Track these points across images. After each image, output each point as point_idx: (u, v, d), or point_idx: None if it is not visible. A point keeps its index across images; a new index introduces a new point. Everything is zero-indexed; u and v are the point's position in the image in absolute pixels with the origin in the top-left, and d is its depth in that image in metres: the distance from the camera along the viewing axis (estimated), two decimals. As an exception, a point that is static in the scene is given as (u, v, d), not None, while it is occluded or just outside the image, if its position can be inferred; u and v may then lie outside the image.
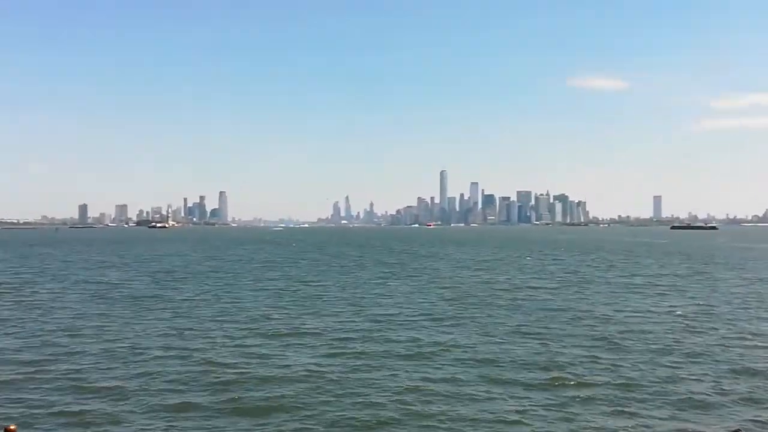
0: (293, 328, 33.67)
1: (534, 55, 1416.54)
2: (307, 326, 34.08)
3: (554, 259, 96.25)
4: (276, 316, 38.16)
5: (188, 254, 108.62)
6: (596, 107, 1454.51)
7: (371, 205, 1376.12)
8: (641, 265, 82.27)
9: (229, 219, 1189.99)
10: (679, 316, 38.56)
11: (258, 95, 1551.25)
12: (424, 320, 36.42)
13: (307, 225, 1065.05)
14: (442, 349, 28.19)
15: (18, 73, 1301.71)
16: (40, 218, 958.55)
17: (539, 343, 29.47)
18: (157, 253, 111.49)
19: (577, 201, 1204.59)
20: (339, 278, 60.87)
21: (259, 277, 63.48)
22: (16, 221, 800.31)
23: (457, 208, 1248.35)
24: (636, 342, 30.11)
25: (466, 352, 27.84)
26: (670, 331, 32.83)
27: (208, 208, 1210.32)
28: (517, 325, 34.67)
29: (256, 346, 29.20)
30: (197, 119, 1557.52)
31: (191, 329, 33.11)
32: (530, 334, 32.09)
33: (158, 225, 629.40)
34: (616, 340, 30.49)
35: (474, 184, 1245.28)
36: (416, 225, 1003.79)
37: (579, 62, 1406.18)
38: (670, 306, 43.11)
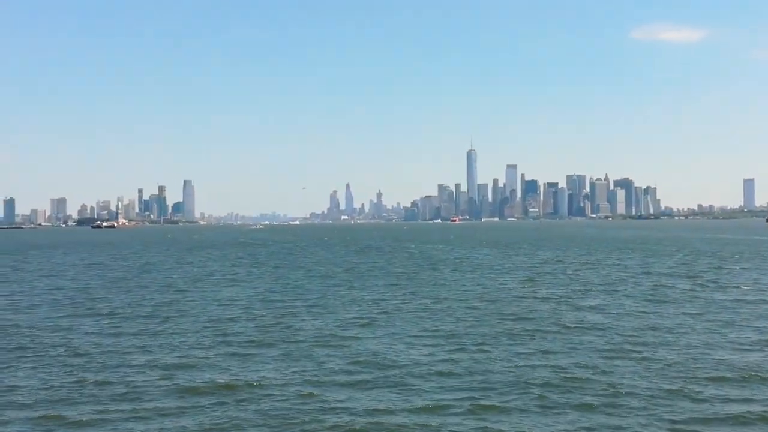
0: None
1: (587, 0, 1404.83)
2: None
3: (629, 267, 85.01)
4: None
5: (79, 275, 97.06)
6: (666, 65, 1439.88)
7: (379, 195, 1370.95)
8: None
9: (197, 215, 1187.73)
10: None
11: (233, 59, 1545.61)
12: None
13: (298, 222, 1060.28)
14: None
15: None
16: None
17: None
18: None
19: (644, 187, 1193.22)
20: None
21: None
22: None
23: (490, 198, 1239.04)
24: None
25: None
26: None
27: (170, 202, 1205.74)
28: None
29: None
30: (159, 91, 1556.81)
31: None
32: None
33: (104, 224, 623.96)
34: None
35: (511, 168, 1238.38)
36: (439, 220, 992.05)
37: (645, 7, 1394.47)
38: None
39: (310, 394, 25.70)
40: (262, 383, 27.17)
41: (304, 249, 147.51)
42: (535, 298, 53.09)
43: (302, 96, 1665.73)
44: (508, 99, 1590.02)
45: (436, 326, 40.01)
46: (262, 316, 45.17)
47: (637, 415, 23.04)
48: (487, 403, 24.46)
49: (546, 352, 32.54)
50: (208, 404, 24.77)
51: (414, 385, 26.83)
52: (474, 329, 38.84)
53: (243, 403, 24.79)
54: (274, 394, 25.78)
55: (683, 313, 43.56)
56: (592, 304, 49.03)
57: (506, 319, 42.52)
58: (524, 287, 61.06)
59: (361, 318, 43.71)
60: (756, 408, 23.74)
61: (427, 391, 26.00)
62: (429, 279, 70.04)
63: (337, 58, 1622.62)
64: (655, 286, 60.69)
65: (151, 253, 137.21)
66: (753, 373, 28.05)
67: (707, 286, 59.90)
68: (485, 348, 33.42)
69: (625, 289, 58.00)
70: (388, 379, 27.99)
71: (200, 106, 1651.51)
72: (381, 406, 24.21)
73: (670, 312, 44.40)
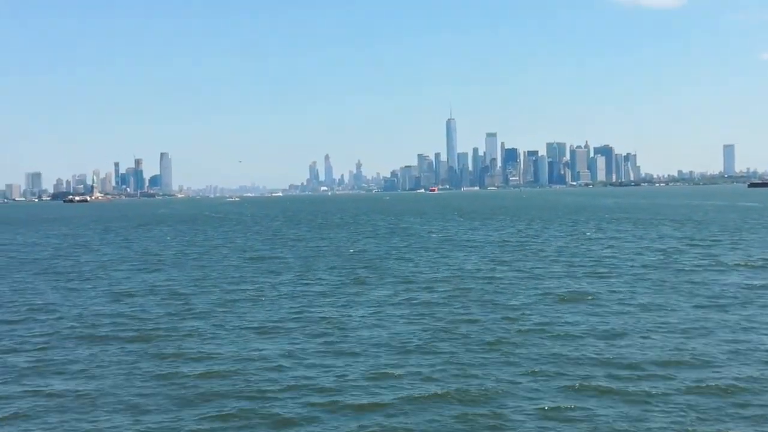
0: None
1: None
2: None
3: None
4: None
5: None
6: (646, 31, 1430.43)
7: (358, 165, 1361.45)
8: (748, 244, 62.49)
9: (175, 188, 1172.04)
10: None
11: (209, 27, 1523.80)
12: None
13: (281, 193, 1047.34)
14: None
15: None
16: None
17: None
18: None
19: (624, 154, 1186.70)
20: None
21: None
22: None
23: (470, 167, 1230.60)
24: None
25: None
26: None
27: (147, 175, 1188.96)
28: None
29: None
30: (133, 61, 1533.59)
31: None
32: None
33: (77, 199, 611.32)
34: None
35: (491, 136, 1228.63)
36: (422, 190, 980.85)
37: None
38: None
39: None
40: None
41: (259, 223, 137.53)
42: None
43: (281, 65, 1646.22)
44: (486, 68, 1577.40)
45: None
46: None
47: None
48: None
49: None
50: None
51: None
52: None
53: None
54: None
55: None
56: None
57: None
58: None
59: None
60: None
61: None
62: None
63: (314, 22, 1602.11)
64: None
65: (87, 231, 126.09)
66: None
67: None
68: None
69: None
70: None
71: (177, 76, 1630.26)
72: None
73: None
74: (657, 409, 20.53)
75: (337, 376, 24.12)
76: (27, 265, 62.81)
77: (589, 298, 37.54)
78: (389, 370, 24.61)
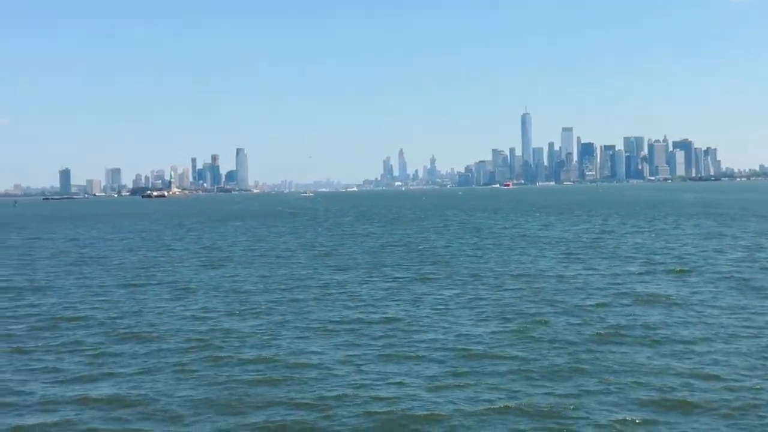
0: None
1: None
2: None
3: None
4: None
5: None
6: (728, 24, 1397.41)
7: (432, 161, 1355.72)
8: None
9: (251, 183, 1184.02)
10: None
11: (286, 28, 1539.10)
12: None
13: (355, 188, 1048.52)
14: None
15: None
16: (12, 188, 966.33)
17: None
18: None
19: (704, 148, 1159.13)
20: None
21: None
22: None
23: (545, 162, 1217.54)
24: None
25: None
26: None
27: (224, 171, 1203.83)
28: None
29: None
30: (208, 61, 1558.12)
31: None
32: None
33: (154, 194, 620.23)
34: None
35: (567, 131, 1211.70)
36: (497, 185, 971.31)
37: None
38: None
39: None
40: None
41: (331, 218, 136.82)
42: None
43: (355, 61, 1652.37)
44: (562, 61, 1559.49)
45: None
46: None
47: None
48: None
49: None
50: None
51: None
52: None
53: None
54: None
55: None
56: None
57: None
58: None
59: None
60: None
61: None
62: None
63: (387, 23, 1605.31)
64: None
65: (159, 226, 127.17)
66: None
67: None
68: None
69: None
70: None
71: (253, 76, 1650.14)
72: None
73: None
74: (745, 424, 18.68)
75: (396, 384, 22.75)
76: (96, 261, 62.90)
77: (669, 299, 35.41)
78: (452, 380, 23.14)
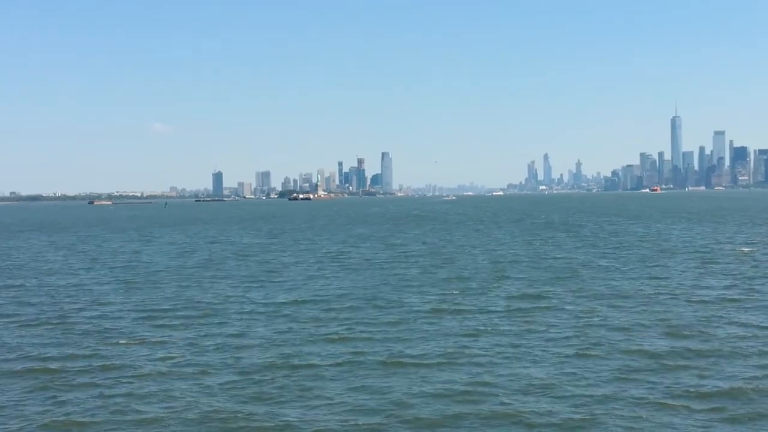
0: None
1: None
2: None
3: None
4: None
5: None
6: None
7: (578, 164, 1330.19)
8: None
9: (395, 186, 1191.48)
10: None
11: (430, 33, 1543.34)
12: None
13: (501, 192, 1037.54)
14: None
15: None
16: (168, 190, 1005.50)
17: None
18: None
19: None
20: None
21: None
22: (139, 194, 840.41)
23: (696, 167, 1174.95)
24: None
25: None
26: None
27: (369, 174, 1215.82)
28: None
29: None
30: (355, 67, 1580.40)
31: None
32: None
33: (300, 196, 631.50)
34: None
35: (719, 134, 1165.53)
36: (645, 190, 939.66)
37: None
38: None
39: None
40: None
41: (464, 223, 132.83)
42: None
43: (501, 65, 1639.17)
44: (713, 61, 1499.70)
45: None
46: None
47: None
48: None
49: None
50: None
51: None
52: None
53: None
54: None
55: None
56: None
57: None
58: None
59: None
60: None
61: None
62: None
63: (529, 19, 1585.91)
64: None
65: (289, 228, 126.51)
66: None
67: None
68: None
69: None
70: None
71: (399, 79, 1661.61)
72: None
73: None
74: None
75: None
76: (213, 265, 61.82)
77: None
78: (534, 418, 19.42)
